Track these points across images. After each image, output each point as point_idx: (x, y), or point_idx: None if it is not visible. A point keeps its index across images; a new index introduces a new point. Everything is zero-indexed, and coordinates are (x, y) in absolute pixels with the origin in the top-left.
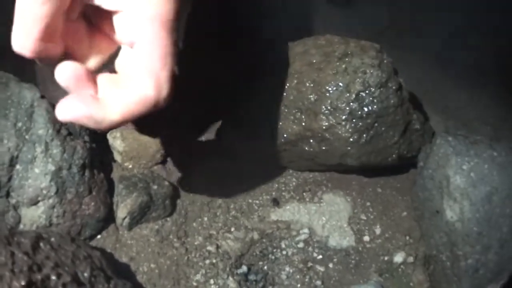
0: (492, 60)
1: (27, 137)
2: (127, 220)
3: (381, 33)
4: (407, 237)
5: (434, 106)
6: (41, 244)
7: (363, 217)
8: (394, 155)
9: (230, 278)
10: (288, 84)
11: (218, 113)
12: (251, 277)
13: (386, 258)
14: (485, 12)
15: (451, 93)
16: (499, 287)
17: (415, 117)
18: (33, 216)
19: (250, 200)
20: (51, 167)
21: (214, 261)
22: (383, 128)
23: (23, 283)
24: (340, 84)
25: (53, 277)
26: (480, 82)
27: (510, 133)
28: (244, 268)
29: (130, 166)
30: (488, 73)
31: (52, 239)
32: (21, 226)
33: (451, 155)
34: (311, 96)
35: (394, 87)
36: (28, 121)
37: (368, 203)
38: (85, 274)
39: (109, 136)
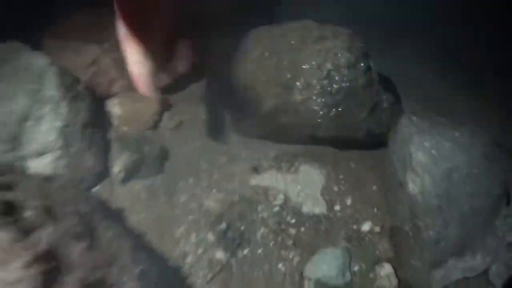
0: (473, 52)
1: (37, 97)
2: (121, 174)
3: (370, 25)
4: (375, 209)
5: (416, 94)
6: (48, 184)
7: (335, 188)
8: (362, 131)
9: (210, 233)
10: (269, 62)
11: None
12: (229, 234)
13: (354, 227)
14: (465, 10)
15: (435, 82)
16: (463, 263)
17: (384, 98)
18: (40, 166)
19: (232, 167)
20: (59, 124)
21: (196, 217)
22: (352, 104)
23: (37, 204)
24: (314, 63)
25: (58, 207)
26: (464, 72)
27: (492, 118)
28: (224, 225)
29: (126, 129)
30: (471, 64)
31: (57, 181)
32: None
33: (414, 133)
34: (288, 73)
35: (362, 69)
36: (39, 83)
37: (341, 176)
38: (86, 210)
39: (109, 102)
